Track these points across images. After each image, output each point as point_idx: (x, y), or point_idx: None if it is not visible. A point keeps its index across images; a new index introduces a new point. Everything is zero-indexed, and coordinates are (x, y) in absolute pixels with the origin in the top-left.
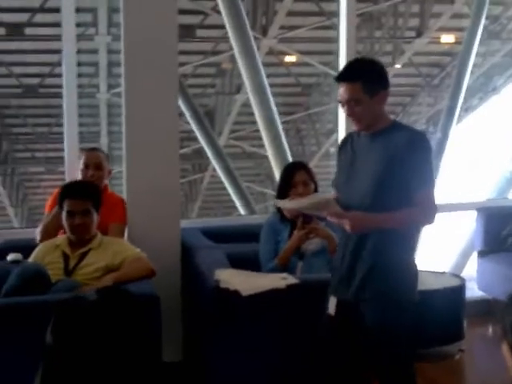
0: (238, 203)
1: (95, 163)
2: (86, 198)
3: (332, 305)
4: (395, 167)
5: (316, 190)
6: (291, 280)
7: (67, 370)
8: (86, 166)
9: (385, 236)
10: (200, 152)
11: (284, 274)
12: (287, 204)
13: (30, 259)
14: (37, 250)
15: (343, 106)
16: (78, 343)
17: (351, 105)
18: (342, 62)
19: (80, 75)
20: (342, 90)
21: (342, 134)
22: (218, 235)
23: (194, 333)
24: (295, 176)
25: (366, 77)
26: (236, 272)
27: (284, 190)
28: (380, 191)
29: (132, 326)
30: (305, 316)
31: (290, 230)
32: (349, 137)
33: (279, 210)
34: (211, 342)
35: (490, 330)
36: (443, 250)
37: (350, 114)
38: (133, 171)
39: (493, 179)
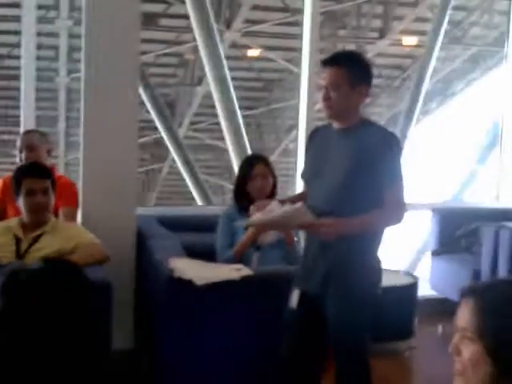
0: (195, 195)
1: (27, 145)
2: (45, 176)
3: (294, 298)
4: (366, 164)
5: (275, 184)
6: (246, 271)
7: (17, 336)
8: (20, 150)
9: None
10: (160, 142)
11: (239, 265)
12: (253, 221)
13: None
14: None
15: (322, 90)
16: (26, 308)
17: (329, 88)
18: (305, 59)
19: (39, 58)
20: (325, 74)
21: (302, 130)
22: (174, 224)
23: (147, 321)
24: (254, 168)
25: (351, 65)
26: (191, 261)
27: (242, 182)
28: (350, 188)
29: (82, 304)
30: (259, 307)
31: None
32: (317, 131)
33: (237, 201)
34: (164, 330)
35: (440, 328)
36: (398, 248)
37: (325, 99)
38: (90, 157)
39: (450, 181)
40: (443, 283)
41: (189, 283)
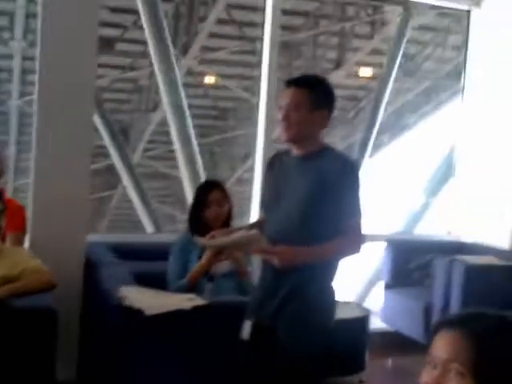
0: (146, 223)
1: None
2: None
3: (246, 329)
4: (325, 193)
5: (230, 211)
6: (198, 301)
7: None
8: None
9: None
10: (112, 168)
11: (191, 295)
12: (210, 242)
13: None
14: None
15: (281, 110)
16: None
17: (289, 108)
18: (264, 88)
19: None
20: (286, 94)
21: (259, 159)
22: (125, 252)
23: (93, 351)
24: (209, 195)
25: (314, 87)
26: (141, 290)
27: (198, 209)
28: (308, 216)
29: (21, 338)
30: (212, 338)
31: (201, 251)
32: (276, 157)
33: (191, 228)
34: (111, 360)
35: (391, 362)
36: (348, 278)
37: (284, 118)
38: (40, 182)
39: (402, 213)
40: (395, 316)
41: (138, 312)
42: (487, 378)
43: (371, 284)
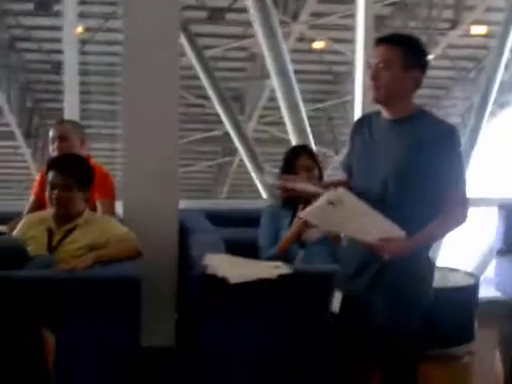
0: (261, 188)
1: (59, 136)
2: (69, 173)
3: (337, 301)
4: (420, 160)
5: (321, 176)
6: (284, 269)
7: None
8: (52, 140)
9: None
10: (229, 135)
11: (278, 263)
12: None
13: (15, 232)
14: (21, 222)
15: (371, 68)
16: None
17: (380, 67)
18: (360, 50)
19: (106, 54)
20: (377, 52)
21: None
22: (222, 219)
23: (185, 318)
24: (298, 160)
25: (408, 46)
26: (228, 258)
27: (286, 175)
28: (405, 184)
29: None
30: (298, 308)
31: (292, 217)
32: (364, 119)
33: (281, 195)
34: (199, 328)
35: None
36: (467, 246)
37: (374, 78)
38: (131, 149)
39: None
40: (508, 284)
41: (222, 281)
42: None
43: (491, 252)
